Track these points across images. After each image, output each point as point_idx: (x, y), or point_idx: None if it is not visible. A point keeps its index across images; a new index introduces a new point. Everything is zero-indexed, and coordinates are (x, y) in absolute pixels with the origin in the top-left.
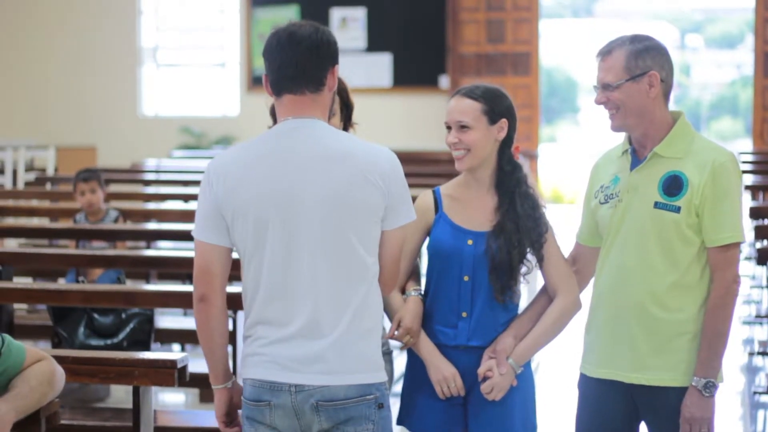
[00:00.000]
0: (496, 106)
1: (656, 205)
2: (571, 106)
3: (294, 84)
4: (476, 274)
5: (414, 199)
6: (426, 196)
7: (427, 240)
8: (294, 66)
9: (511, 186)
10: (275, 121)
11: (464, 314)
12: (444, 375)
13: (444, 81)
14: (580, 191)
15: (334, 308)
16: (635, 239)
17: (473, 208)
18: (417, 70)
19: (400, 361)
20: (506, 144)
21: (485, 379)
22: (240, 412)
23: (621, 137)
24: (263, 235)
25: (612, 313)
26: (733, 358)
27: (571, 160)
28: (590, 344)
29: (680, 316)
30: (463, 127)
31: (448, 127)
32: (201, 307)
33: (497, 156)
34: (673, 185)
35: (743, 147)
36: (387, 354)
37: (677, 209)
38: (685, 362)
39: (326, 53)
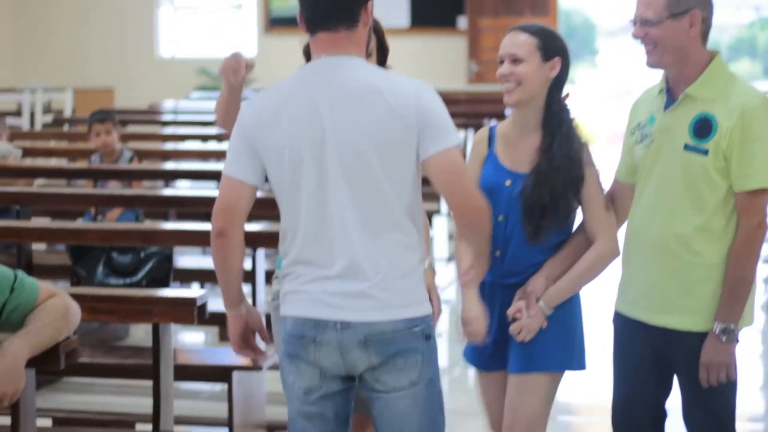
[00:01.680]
0: (551, 44)
1: (685, 147)
2: (589, 49)
3: (328, 21)
4: (510, 214)
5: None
6: (483, 131)
7: None
8: (328, 2)
9: (555, 126)
10: (308, 61)
11: (497, 253)
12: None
13: (462, 21)
14: (597, 133)
15: (373, 250)
16: (664, 181)
17: (518, 149)
18: (435, 10)
19: None
20: (556, 85)
21: (515, 320)
22: (258, 336)
23: (638, 80)
24: (298, 173)
25: (641, 254)
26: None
27: (589, 102)
28: (623, 282)
29: (706, 261)
30: (515, 60)
31: (501, 61)
32: (219, 242)
33: (546, 96)
34: (703, 127)
35: (762, 88)
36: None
37: (705, 152)
38: (708, 307)
39: None
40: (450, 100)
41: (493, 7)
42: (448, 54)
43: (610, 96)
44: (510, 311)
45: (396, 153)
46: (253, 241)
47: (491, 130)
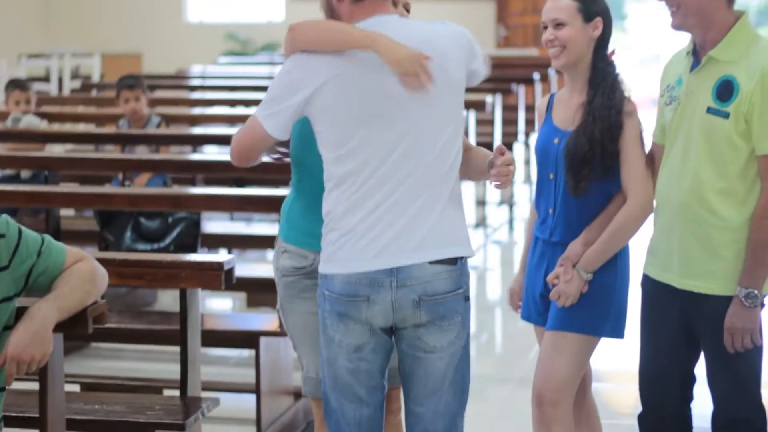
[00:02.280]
0: (592, 5)
1: (708, 110)
2: (618, 13)
3: None
4: (558, 171)
5: None
6: (544, 99)
7: None
8: None
9: (600, 81)
10: None
11: (551, 210)
12: (510, 288)
13: None
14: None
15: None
16: (688, 144)
17: (568, 108)
18: None
19: None
20: (601, 44)
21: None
22: None
23: (666, 44)
24: (363, 132)
25: (666, 217)
26: None
27: (618, 66)
28: (651, 245)
29: (729, 224)
30: (558, 25)
31: (545, 27)
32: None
33: (592, 55)
34: (726, 90)
35: None
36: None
37: (727, 115)
38: (732, 271)
39: None
40: None
41: None
42: (476, 18)
43: (639, 60)
44: (549, 277)
45: (460, 92)
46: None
47: (551, 97)
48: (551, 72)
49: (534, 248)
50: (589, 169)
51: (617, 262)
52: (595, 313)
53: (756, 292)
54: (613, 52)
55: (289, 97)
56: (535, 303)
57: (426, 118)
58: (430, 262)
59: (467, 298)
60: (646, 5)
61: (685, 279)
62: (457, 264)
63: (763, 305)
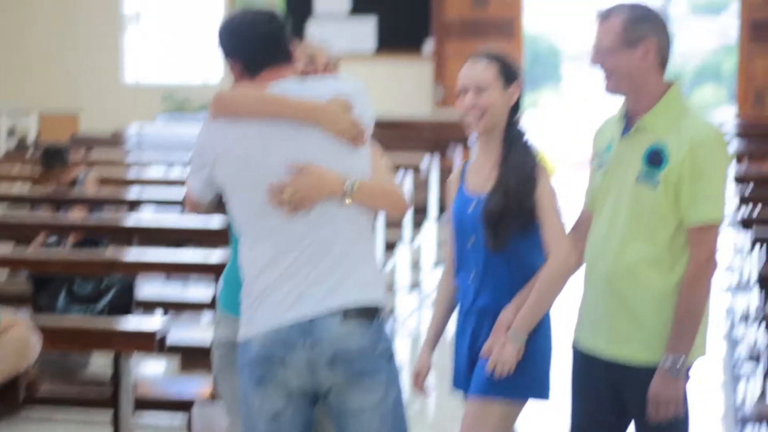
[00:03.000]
0: (510, 69)
1: (638, 179)
2: (554, 74)
3: (272, 61)
4: (478, 234)
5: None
6: (456, 169)
7: None
8: (269, 48)
9: (512, 142)
10: None
11: (472, 275)
12: (415, 368)
13: (428, 46)
14: (562, 158)
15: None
16: (616, 211)
17: (481, 172)
18: (401, 34)
19: None
20: (515, 108)
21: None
22: None
23: (602, 106)
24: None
25: (593, 285)
26: (716, 327)
27: (554, 127)
28: (579, 314)
29: (656, 293)
30: (479, 90)
31: (462, 91)
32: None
33: (507, 119)
34: (655, 159)
35: (726, 114)
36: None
37: (656, 184)
38: (657, 340)
39: (286, 27)
40: (415, 125)
41: (459, 31)
42: (414, 78)
43: (574, 122)
44: (483, 351)
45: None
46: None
47: (464, 166)
48: None
49: (457, 319)
50: (507, 223)
51: (539, 323)
52: (519, 375)
53: (682, 361)
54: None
55: (199, 163)
56: (463, 371)
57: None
58: (343, 319)
59: (391, 358)
60: (581, 67)
61: (612, 348)
62: (372, 322)
63: (687, 377)
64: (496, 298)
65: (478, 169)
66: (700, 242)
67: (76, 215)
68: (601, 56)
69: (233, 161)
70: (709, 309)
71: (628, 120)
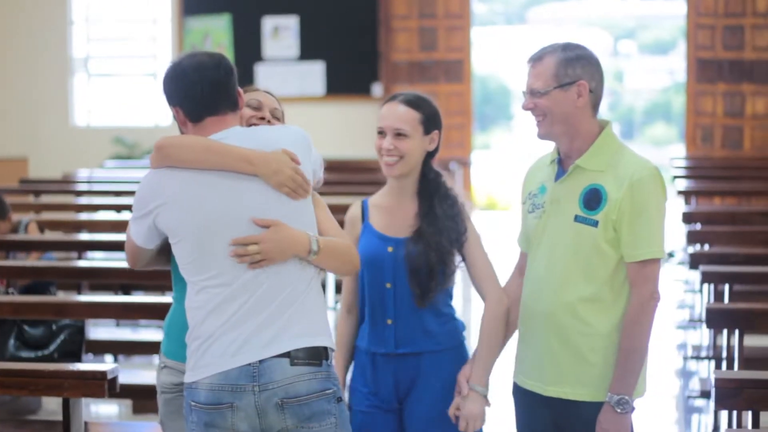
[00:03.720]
0: (432, 117)
1: (576, 218)
2: (504, 114)
3: (216, 108)
4: (397, 280)
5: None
6: (354, 207)
7: None
8: (212, 95)
9: (432, 191)
10: None
11: (389, 321)
12: None
13: (377, 89)
14: (514, 198)
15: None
16: (555, 251)
17: (396, 216)
18: (350, 78)
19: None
20: (432, 154)
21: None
22: None
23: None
24: (204, 244)
25: (532, 324)
26: (668, 363)
27: (505, 167)
28: (517, 353)
29: (597, 331)
30: (399, 135)
31: (381, 133)
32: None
33: (422, 164)
34: (593, 199)
35: (676, 152)
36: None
37: (595, 223)
38: (600, 377)
39: (233, 75)
40: (363, 168)
41: (407, 74)
42: (362, 121)
43: (526, 160)
44: (450, 411)
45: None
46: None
47: (363, 205)
48: None
49: (373, 364)
50: (437, 280)
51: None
52: (447, 418)
53: (627, 398)
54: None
55: (142, 211)
56: (383, 418)
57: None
58: (292, 364)
59: (339, 399)
60: None
61: (553, 386)
62: (321, 365)
63: (633, 409)
64: (419, 347)
65: (393, 211)
66: (642, 278)
67: (30, 261)
68: (534, 99)
69: (179, 207)
70: (648, 347)
71: (562, 163)
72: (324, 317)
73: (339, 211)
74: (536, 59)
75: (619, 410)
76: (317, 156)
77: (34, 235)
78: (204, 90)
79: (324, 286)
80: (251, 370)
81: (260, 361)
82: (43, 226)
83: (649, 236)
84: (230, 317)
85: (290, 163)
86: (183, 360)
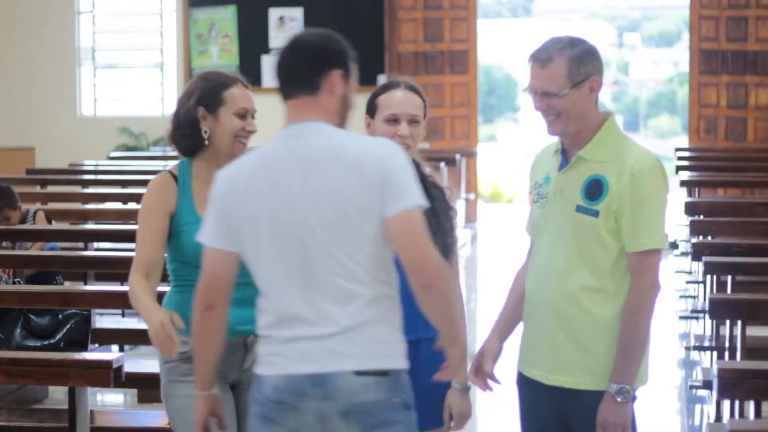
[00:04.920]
0: (427, 105)
1: (578, 208)
2: (510, 105)
3: (289, 88)
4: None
5: None
6: None
7: None
8: (285, 72)
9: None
10: None
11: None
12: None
13: (382, 80)
14: (518, 190)
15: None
16: (557, 241)
17: None
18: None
19: None
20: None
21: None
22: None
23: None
24: (268, 241)
25: (535, 314)
26: (670, 353)
27: (511, 158)
28: (522, 343)
29: (599, 320)
30: (414, 122)
31: (395, 120)
32: (208, 316)
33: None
34: (595, 189)
35: (680, 143)
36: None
37: (596, 213)
38: (602, 366)
39: (320, 57)
40: None
41: (413, 65)
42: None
43: (531, 151)
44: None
45: (359, 213)
46: None
47: None
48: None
49: None
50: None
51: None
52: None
53: (627, 387)
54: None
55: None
56: None
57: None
58: (357, 373)
59: (408, 407)
60: None
61: (555, 375)
62: (388, 375)
63: (634, 398)
64: (419, 335)
65: None
66: (643, 268)
67: (35, 251)
68: (547, 100)
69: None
70: (649, 337)
71: (565, 153)
72: (396, 336)
73: None
74: (545, 60)
75: (619, 399)
76: (398, 184)
77: (41, 224)
78: (279, 70)
79: None
80: (316, 378)
81: (326, 372)
82: (49, 216)
83: (650, 226)
84: (303, 321)
85: (167, 339)
86: (181, 332)
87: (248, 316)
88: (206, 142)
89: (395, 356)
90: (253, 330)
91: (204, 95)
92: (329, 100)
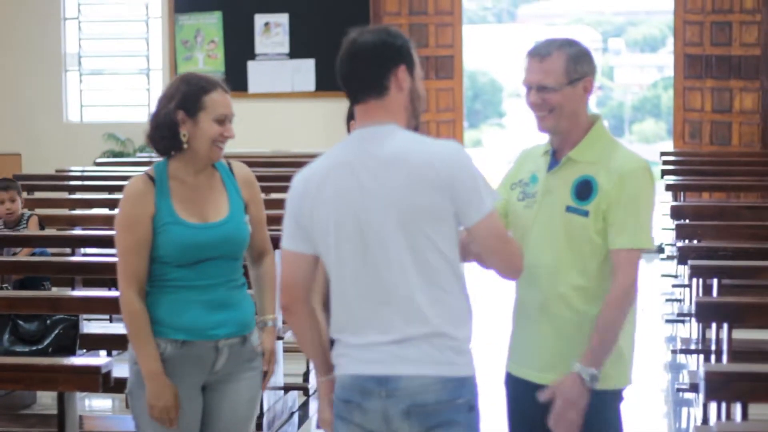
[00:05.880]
0: None
1: (567, 209)
2: (495, 110)
3: (357, 93)
4: None
5: None
6: None
7: None
8: (352, 77)
9: None
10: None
11: None
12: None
13: None
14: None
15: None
16: (546, 241)
17: None
18: None
19: None
20: None
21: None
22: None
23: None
24: (342, 243)
25: (524, 313)
26: (657, 356)
27: (496, 163)
28: (510, 342)
29: (588, 319)
30: None
31: None
32: (291, 319)
33: None
34: (585, 189)
35: (665, 148)
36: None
37: (586, 213)
38: None
39: (383, 57)
40: None
41: None
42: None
43: (517, 156)
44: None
45: (429, 216)
46: None
47: None
48: None
49: None
50: None
51: None
52: None
53: (597, 372)
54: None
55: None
56: None
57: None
58: (421, 377)
59: (471, 409)
60: (523, 103)
61: (545, 373)
62: (453, 378)
63: (621, 399)
64: None
65: None
66: (626, 265)
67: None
68: (542, 95)
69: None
70: (634, 338)
71: (555, 154)
72: (462, 344)
73: None
74: (544, 55)
75: (587, 380)
76: (469, 185)
77: (33, 229)
78: (345, 75)
79: None
80: (380, 378)
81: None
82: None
83: (637, 226)
84: (373, 324)
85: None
86: (156, 334)
87: (218, 320)
88: (185, 146)
89: (463, 364)
90: (223, 333)
91: (184, 99)
92: (398, 97)
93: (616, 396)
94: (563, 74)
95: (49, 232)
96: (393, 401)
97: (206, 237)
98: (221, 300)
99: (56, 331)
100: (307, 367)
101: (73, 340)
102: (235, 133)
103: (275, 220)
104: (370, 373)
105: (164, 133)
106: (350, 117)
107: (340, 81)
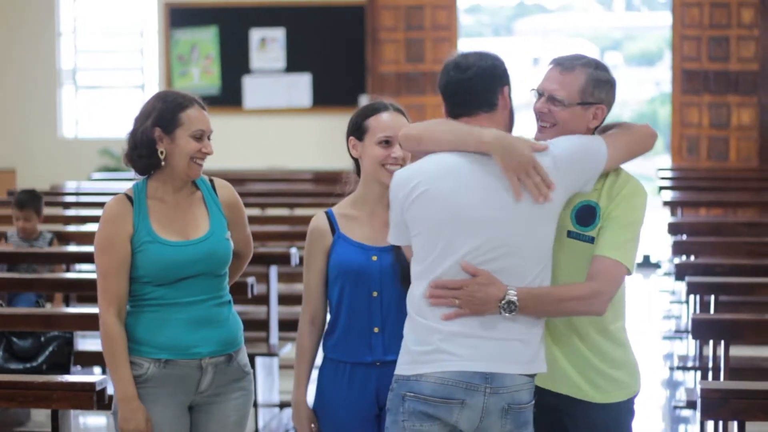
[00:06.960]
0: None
1: (569, 234)
2: None
3: (468, 108)
4: (384, 288)
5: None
6: (320, 219)
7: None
8: (465, 94)
9: None
10: None
11: (376, 329)
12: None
13: (364, 101)
14: None
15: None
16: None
17: (372, 225)
18: (337, 89)
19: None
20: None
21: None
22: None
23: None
24: (440, 245)
25: None
26: (654, 373)
27: None
28: None
29: (599, 347)
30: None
31: (388, 142)
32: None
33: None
34: (587, 215)
35: (662, 163)
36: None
37: (590, 239)
38: (601, 379)
39: (495, 76)
40: (351, 178)
41: (394, 86)
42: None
43: None
44: None
45: (539, 220)
46: None
47: (329, 215)
48: None
49: (342, 373)
50: None
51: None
52: None
53: (517, 304)
54: None
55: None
56: (362, 425)
57: (514, 233)
58: (519, 375)
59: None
60: (521, 116)
61: (558, 385)
62: (533, 377)
63: (633, 412)
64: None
65: (365, 221)
66: (610, 274)
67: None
68: (550, 106)
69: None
70: (631, 349)
71: None
72: (542, 338)
73: None
74: (567, 67)
75: (505, 309)
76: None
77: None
78: (456, 90)
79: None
80: (486, 374)
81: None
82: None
83: (629, 248)
84: (468, 323)
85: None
86: (136, 354)
87: (200, 338)
88: (162, 163)
89: (543, 362)
90: (207, 352)
91: (161, 116)
92: (502, 114)
93: (628, 408)
94: (578, 93)
95: (51, 249)
96: (496, 398)
97: (186, 254)
98: (204, 317)
99: (50, 348)
100: None
101: (67, 358)
102: (213, 149)
103: (273, 237)
104: (474, 369)
105: (141, 152)
106: (350, 133)
107: (448, 92)
